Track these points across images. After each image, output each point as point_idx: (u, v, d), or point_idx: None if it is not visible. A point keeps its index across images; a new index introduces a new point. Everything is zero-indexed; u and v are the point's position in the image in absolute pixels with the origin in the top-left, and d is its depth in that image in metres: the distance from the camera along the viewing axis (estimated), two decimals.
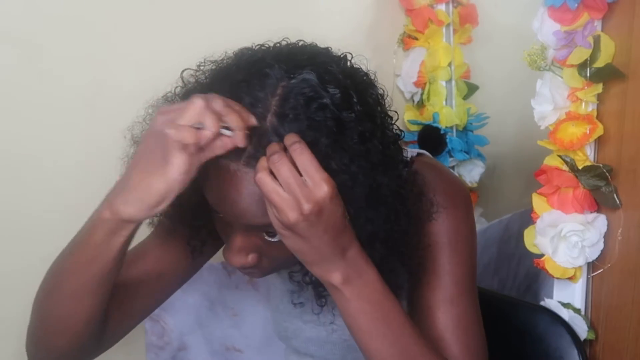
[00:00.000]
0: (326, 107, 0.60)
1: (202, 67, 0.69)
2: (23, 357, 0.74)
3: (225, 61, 0.68)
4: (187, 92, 0.68)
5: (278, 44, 0.68)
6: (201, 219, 0.72)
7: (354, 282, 0.63)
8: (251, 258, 0.67)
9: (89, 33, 0.95)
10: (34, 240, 0.92)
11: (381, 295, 0.65)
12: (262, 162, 0.58)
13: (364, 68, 0.69)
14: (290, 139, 0.58)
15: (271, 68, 0.62)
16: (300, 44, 0.68)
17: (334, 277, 0.62)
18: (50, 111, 0.94)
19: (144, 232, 0.78)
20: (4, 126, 0.91)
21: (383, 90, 0.69)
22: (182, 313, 1.12)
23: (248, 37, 0.71)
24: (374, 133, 0.63)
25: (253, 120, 0.59)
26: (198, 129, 0.56)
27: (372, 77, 0.69)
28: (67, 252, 0.66)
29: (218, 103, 0.57)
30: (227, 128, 0.58)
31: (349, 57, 0.68)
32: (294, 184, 0.56)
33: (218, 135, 0.57)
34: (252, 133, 0.60)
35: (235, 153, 0.60)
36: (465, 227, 0.75)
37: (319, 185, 0.57)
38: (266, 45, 0.68)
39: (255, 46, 0.68)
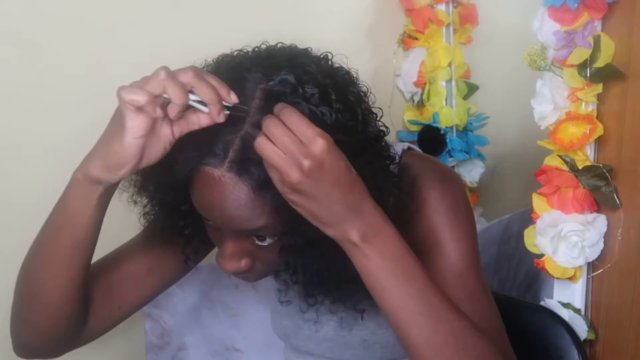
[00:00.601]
0: (303, 109, 0.60)
1: None
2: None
3: (205, 69, 0.68)
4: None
5: (257, 48, 0.69)
6: (192, 228, 0.72)
7: (373, 238, 0.61)
8: (244, 263, 0.67)
9: (89, 33, 0.96)
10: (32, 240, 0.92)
11: (402, 251, 0.63)
12: (262, 129, 0.58)
13: (345, 67, 0.69)
14: (279, 106, 0.59)
15: (249, 72, 0.62)
16: (279, 46, 0.69)
17: (352, 234, 0.61)
18: (50, 111, 0.94)
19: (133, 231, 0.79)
20: (4, 125, 0.91)
21: (367, 87, 0.69)
22: (182, 313, 1.12)
23: (248, 37, 0.71)
24: (354, 131, 0.63)
25: (233, 98, 0.59)
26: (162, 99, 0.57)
27: (354, 75, 0.69)
28: (45, 223, 0.68)
29: (187, 74, 0.57)
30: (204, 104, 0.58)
31: (329, 56, 0.68)
32: (289, 143, 0.56)
33: (188, 107, 0.58)
34: (237, 117, 0.59)
35: (218, 159, 0.60)
36: (463, 203, 0.75)
37: (314, 140, 0.56)
38: (245, 50, 0.69)
39: (234, 52, 0.69)
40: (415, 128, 1.37)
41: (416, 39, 1.35)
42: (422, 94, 1.37)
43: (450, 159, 1.34)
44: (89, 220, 0.63)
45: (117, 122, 0.58)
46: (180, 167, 0.62)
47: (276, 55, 0.66)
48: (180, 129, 0.59)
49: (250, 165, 0.60)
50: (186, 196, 0.65)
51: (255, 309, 1.17)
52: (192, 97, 0.57)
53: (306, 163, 0.56)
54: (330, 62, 0.68)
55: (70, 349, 0.76)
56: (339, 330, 0.83)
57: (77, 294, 0.70)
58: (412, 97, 1.39)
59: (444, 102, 1.35)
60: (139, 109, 0.56)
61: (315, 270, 0.67)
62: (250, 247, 0.67)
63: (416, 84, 1.35)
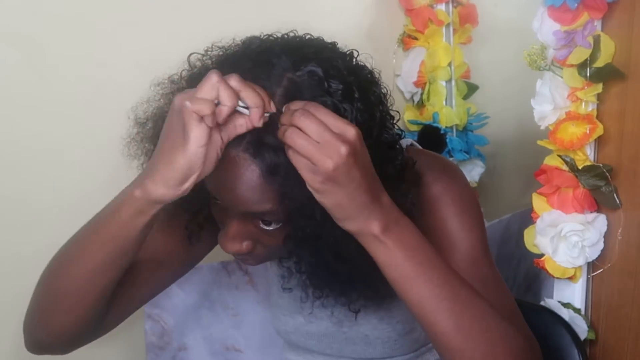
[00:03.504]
0: (327, 103, 0.60)
1: (209, 52, 0.70)
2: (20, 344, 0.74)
3: (232, 48, 0.69)
4: (193, 76, 0.68)
5: (286, 35, 0.69)
6: (199, 204, 0.73)
7: (393, 229, 0.62)
8: (246, 245, 0.68)
9: (89, 32, 0.96)
10: (33, 239, 0.92)
11: (420, 239, 0.64)
12: (285, 119, 0.58)
13: (368, 66, 0.69)
14: (298, 103, 0.59)
15: (278, 58, 0.62)
16: (307, 37, 0.69)
17: (374, 226, 0.61)
18: (50, 110, 0.94)
19: None
20: (5, 125, 0.91)
21: (386, 89, 0.70)
22: (182, 313, 1.12)
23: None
24: (370, 133, 0.63)
25: (272, 107, 0.59)
26: (217, 106, 0.56)
27: (377, 76, 0.69)
28: (89, 228, 0.66)
29: (234, 79, 0.57)
30: (246, 108, 0.58)
31: (354, 54, 0.69)
32: (323, 132, 0.56)
33: (236, 112, 0.57)
34: (270, 120, 0.59)
35: (235, 139, 0.60)
36: (468, 194, 0.76)
37: (346, 128, 0.57)
38: (274, 36, 0.69)
39: (264, 36, 0.69)
40: (415, 128, 1.37)
41: (416, 39, 1.35)
42: (422, 94, 1.37)
43: (450, 158, 1.34)
44: (140, 234, 0.63)
45: (175, 134, 0.57)
46: None
47: (305, 45, 0.66)
48: (228, 134, 0.59)
49: (265, 149, 0.60)
50: None
51: (255, 309, 1.17)
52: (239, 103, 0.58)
53: (343, 149, 0.56)
54: (355, 60, 0.69)
55: (83, 345, 0.76)
56: (340, 326, 0.84)
57: (108, 297, 0.70)
58: (412, 97, 1.39)
59: (444, 102, 1.35)
60: (202, 118, 0.56)
61: (313, 263, 0.67)
62: (254, 231, 0.67)
63: (416, 84, 1.35)
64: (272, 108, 0.59)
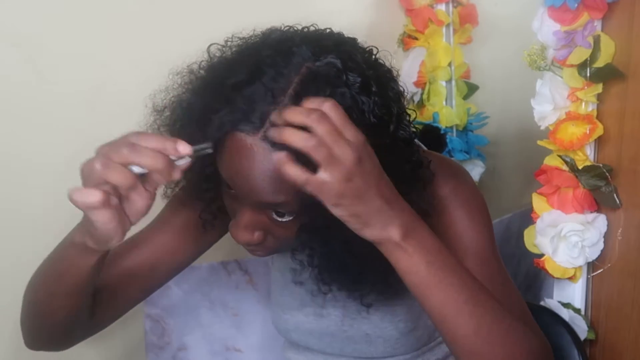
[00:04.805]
0: (345, 95, 0.60)
1: (229, 43, 0.69)
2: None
3: (252, 38, 0.69)
4: (212, 66, 0.68)
5: (306, 28, 0.69)
6: (213, 192, 0.72)
7: (412, 234, 0.60)
8: (257, 236, 0.67)
9: (89, 32, 0.96)
10: (32, 239, 0.92)
11: (438, 243, 0.63)
12: (293, 117, 0.55)
13: (387, 64, 0.69)
14: (315, 101, 0.56)
15: (299, 47, 0.62)
16: (327, 31, 0.69)
17: (393, 232, 0.59)
18: (50, 111, 0.94)
19: (157, 207, 0.78)
20: (4, 126, 0.91)
21: (403, 87, 0.70)
22: (182, 313, 1.12)
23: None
24: (387, 128, 0.63)
25: (182, 149, 0.54)
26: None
27: (395, 74, 0.70)
28: (51, 257, 0.69)
29: (121, 153, 0.53)
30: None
31: (374, 50, 0.69)
32: (325, 147, 0.54)
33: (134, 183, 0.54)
34: (277, 90, 0.58)
35: (253, 127, 0.59)
36: (476, 195, 0.76)
37: (356, 134, 0.55)
38: (295, 28, 0.69)
39: (284, 27, 0.69)
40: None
41: (416, 39, 1.35)
42: (422, 94, 1.37)
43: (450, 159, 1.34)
44: (91, 270, 0.64)
45: None
46: (213, 129, 0.61)
47: (325, 38, 0.66)
48: (154, 185, 0.56)
49: None
50: (212, 159, 0.65)
51: (255, 308, 1.17)
52: (136, 169, 0.53)
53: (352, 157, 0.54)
54: (374, 57, 0.68)
55: (80, 341, 0.78)
56: (341, 325, 0.83)
57: (82, 312, 0.71)
58: (412, 97, 1.39)
59: (444, 102, 1.35)
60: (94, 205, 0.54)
61: (327, 253, 0.67)
62: (266, 221, 0.67)
63: (416, 84, 1.35)
64: (182, 151, 0.54)
